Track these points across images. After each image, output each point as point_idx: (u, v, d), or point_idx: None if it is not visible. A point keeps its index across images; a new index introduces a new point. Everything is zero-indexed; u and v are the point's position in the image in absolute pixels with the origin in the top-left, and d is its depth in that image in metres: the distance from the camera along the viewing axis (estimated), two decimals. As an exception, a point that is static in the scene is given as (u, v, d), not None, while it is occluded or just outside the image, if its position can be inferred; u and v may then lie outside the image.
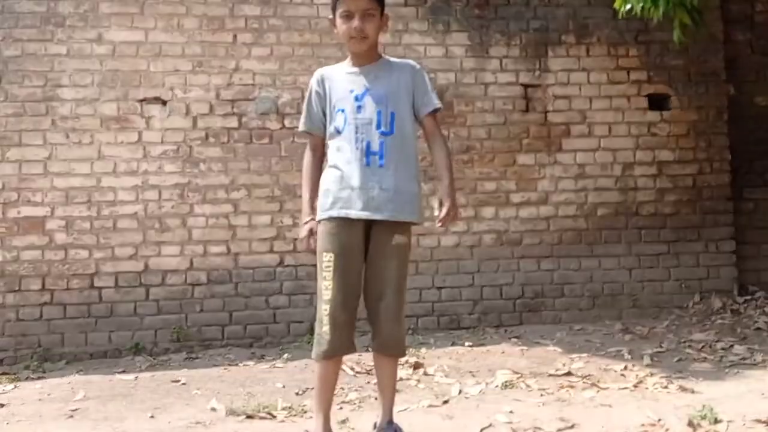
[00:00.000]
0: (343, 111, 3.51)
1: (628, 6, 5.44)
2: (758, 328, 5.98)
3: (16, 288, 6.05)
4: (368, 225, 3.44)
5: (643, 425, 3.78)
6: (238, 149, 6.35)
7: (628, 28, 6.76)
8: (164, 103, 6.29)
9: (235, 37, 6.40)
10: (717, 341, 5.64)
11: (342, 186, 3.44)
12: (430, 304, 6.48)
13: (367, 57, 3.59)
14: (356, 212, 3.41)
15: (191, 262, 6.24)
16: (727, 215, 6.88)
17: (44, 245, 6.10)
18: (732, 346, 5.52)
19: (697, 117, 6.89)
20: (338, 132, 3.50)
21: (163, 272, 6.22)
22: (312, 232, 3.48)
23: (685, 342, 5.69)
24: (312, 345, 3.51)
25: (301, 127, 3.67)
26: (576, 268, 6.66)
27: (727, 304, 6.57)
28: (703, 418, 3.77)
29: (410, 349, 5.68)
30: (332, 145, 3.54)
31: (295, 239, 6.36)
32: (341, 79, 3.58)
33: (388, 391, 3.57)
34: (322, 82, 3.59)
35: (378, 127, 3.47)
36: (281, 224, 6.36)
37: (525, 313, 6.58)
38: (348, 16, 3.46)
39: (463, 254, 6.56)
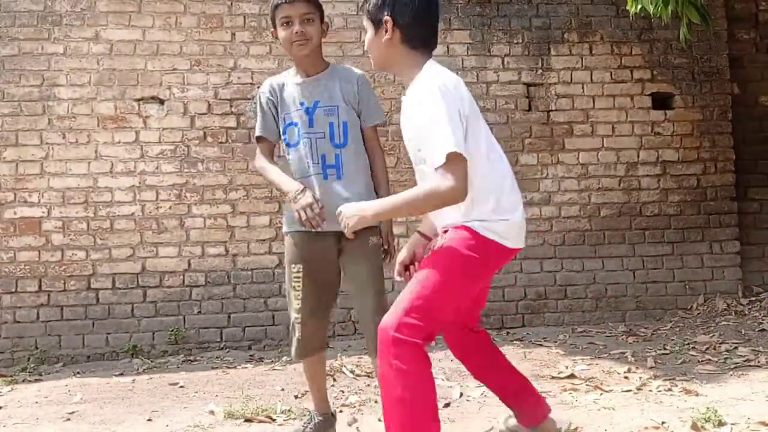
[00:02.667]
0: (295, 125, 3.55)
1: (640, 6, 5.38)
2: (763, 330, 5.94)
3: (13, 289, 6.02)
4: (339, 234, 3.37)
5: (646, 428, 3.77)
6: (236, 149, 6.31)
7: (631, 26, 6.72)
8: (162, 102, 6.26)
9: (233, 35, 6.36)
10: (721, 343, 5.61)
11: None
12: (431, 305, 6.40)
13: (313, 65, 3.62)
14: (324, 225, 3.40)
15: (189, 264, 6.20)
16: (732, 216, 6.84)
17: (41, 246, 6.07)
18: (736, 347, 5.48)
19: (701, 116, 6.84)
20: (292, 146, 3.54)
21: (161, 273, 6.18)
22: (316, 201, 3.37)
23: (689, 344, 5.65)
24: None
25: (257, 132, 3.64)
26: (579, 270, 6.61)
27: (731, 306, 6.53)
28: (707, 420, 3.76)
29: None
30: (287, 158, 3.59)
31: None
32: (291, 91, 3.60)
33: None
34: (273, 91, 3.61)
35: (332, 139, 3.51)
36: (280, 225, 6.28)
37: (527, 315, 6.53)
38: (288, 23, 3.50)
39: (464, 255, 6.49)
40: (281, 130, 3.58)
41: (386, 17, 3.01)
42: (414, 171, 3.11)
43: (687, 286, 6.72)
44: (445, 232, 3.00)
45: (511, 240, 3.02)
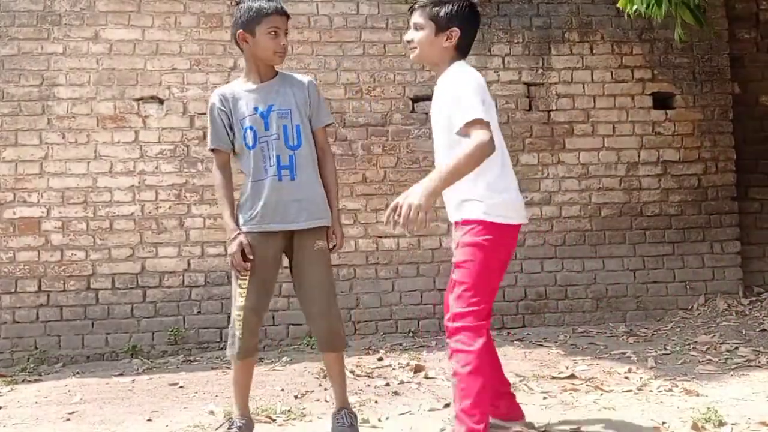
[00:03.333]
0: (252, 129, 3.71)
1: (635, 7, 5.37)
2: (763, 330, 5.94)
3: (12, 289, 6.01)
4: (288, 235, 3.72)
5: (647, 428, 3.75)
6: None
7: (632, 26, 6.70)
8: (161, 102, 6.24)
9: (233, 35, 6.34)
10: (722, 343, 5.61)
11: (257, 201, 3.69)
12: (431, 306, 6.41)
13: (268, 73, 3.80)
14: (274, 226, 3.68)
15: (189, 264, 6.19)
16: (733, 216, 6.82)
17: (40, 246, 6.05)
18: (737, 348, 5.48)
19: (702, 116, 6.83)
20: (249, 148, 3.70)
21: (161, 274, 6.16)
22: (242, 245, 3.65)
23: (689, 344, 5.65)
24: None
25: (210, 144, 3.78)
26: (579, 270, 6.60)
27: (732, 306, 6.52)
28: (708, 420, 3.77)
29: (411, 352, 5.66)
30: (243, 161, 3.75)
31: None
32: (243, 98, 3.76)
33: (340, 381, 3.87)
34: (224, 101, 3.75)
35: (286, 141, 3.70)
36: (280, 225, 6.29)
37: (528, 315, 6.52)
38: (276, 33, 3.68)
39: (464, 255, 6.49)
40: (242, 135, 3.72)
41: (455, 28, 3.46)
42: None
43: (688, 286, 6.71)
44: (457, 224, 3.50)
45: (514, 218, 3.49)
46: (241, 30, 3.73)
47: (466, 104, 3.26)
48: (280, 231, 3.70)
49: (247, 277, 3.68)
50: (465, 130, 3.25)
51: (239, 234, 3.65)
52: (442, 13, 3.46)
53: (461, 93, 3.29)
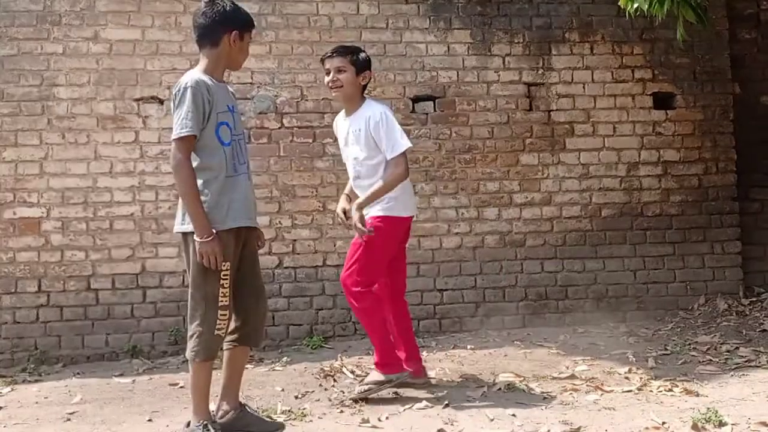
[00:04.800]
0: (227, 125, 3.78)
1: (635, 5, 5.36)
2: (764, 330, 5.94)
3: (12, 290, 6.00)
4: (243, 232, 3.84)
5: (647, 429, 3.80)
6: (236, 149, 6.28)
7: (632, 25, 6.70)
8: (161, 102, 6.23)
9: (233, 35, 6.33)
10: (722, 343, 5.61)
11: (234, 197, 3.75)
12: (431, 306, 6.42)
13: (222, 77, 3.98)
14: (247, 222, 3.83)
15: (189, 264, 6.17)
16: (733, 216, 6.82)
17: (40, 246, 6.05)
18: (737, 348, 5.49)
19: (702, 116, 6.83)
20: (224, 144, 3.74)
21: (161, 274, 6.16)
22: (222, 245, 3.67)
23: (690, 344, 5.65)
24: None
25: (191, 130, 3.67)
26: (580, 270, 6.60)
27: (732, 306, 6.52)
28: (708, 421, 3.79)
29: (411, 352, 5.66)
30: (211, 156, 3.73)
31: (295, 240, 6.31)
32: (218, 93, 3.79)
33: (240, 377, 4.03)
34: (209, 90, 3.73)
35: (246, 140, 4.02)
36: (280, 225, 6.30)
37: (528, 316, 6.52)
38: (248, 40, 3.97)
39: (465, 255, 6.50)
40: (214, 129, 3.73)
41: (368, 71, 4.59)
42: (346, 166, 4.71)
43: (688, 287, 6.70)
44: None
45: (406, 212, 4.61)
46: (237, 30, 3.80)
47: (393, 138, 4.41)
48: (243, 227, 3.82)
49: (228, 278, 3.71)
50: (392, 159, 4.40)
51: (218, 233, 3.66)
52: (360, 58, 4.51)
53: (389, 127, 4.42)
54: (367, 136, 4.46)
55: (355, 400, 4.40)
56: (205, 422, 3.75)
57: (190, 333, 3.74)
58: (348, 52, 4.52)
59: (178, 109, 3.68)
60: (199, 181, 3.68)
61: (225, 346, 3.90)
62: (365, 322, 4.56)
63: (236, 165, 3.78)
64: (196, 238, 3.63)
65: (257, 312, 3.96)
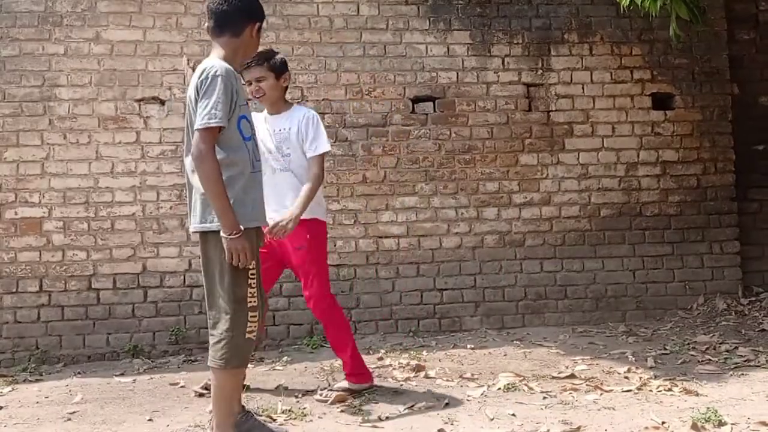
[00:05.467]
0: (246, 119, 3.64)
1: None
2: (763, 330, 5.95)
3: (14, 289, 6.01)
4: (259, 231, 3.75)
5: (646, 428, 3.79)
6: (237, 149, 6.29)
7: (631, 26, 6.72)
8: (162, 102, 6.25)
9: (234, 36, 6.34)
10: (721, 343, 5.62)
11: (257, 195, 3.65)
12: (431, 306, 6.43)
13: None
14: (264, 220, 3.82)
15: (190, 264, 6.18)
16: (732, 216, 6.84)
17: (41, 246, 6.06)
18: (736, 347, 5.49)
19: (701, 116, 6.84)
20: (245, 139, 3.58)
21: (162, 274, 6.17)
22: (252, 242, 3.54)
23: (689, 344, 5.66)
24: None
25: (220, 121, 3.44)
26: (579, 270, 6.61)
27: (731, 306, 6.54)
28: (707, 420, 3.78)
29: (411, 352, 5.67)
30: (240, 152, 3.56)
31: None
32: (239, 85, 3.65)
33: (243, 378, 4.09)
34: (236, 81, 3.59)
35: None
36: (281, 225, 6.29)
37: (527, 315, 6.53)
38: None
39: (464, 255, 6.51)
40: (236, 123, 3.56)
41: (287, 72, 4.66)
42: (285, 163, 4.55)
43: (687, 286, 6.72)
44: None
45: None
46: (259, 22, 3.74)
47: (321, 138, 4.53)
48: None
49: (256, 277, 3.55)
50: (312, 160, 4.51)
51: (246, 230, 3.47)
52: (277, 62, 4.55)
53: (319, 127, 4.55)
54: (298, 134, 4.52)
55: (321, 401, 4.46)
56: (248, 413, 3.62)
57: (215, 339, 3.51)
58: (264, 59, 4.50)
59: (206, 97, 3.43)
60: (224, 177, 3.45)
61: None
62: (338, 336, 4.59)
63: (254, 161, 3.64)
64: (223, 234, 3.42)
65: (263, 313, 3.82)
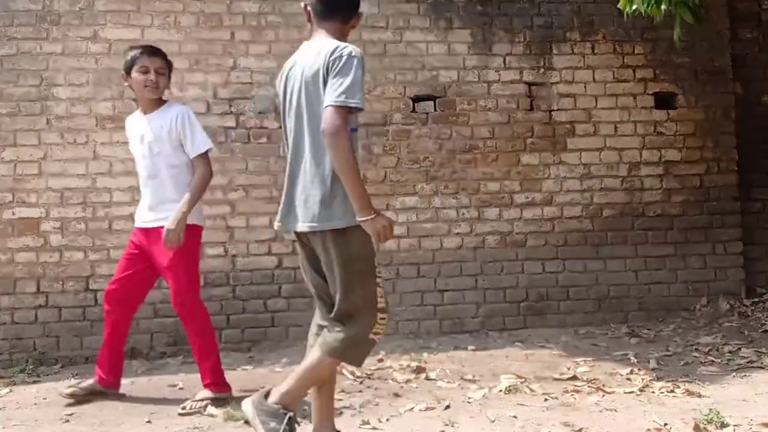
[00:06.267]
0: None
1: (634, 6, 5.35)
2: (766, 331, 5.96)
3: (11, 290, 5.98)
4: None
5: (648, 430, 3.81)
6: (235, 149, 6.28)
7: (634, 25, 6.68)
8: (161, 102, 6.21)
9: (232, 34, 6.32)
10: (724, 344, 5.62)
11: None
12: (432, 307, 6.40)
13: None
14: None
15: (189, 264, 6.15)
16: (735, 216, 6.81)
17: (39, 247, 6.03)
18: (739, 349, 5.49)
19: (704, 116, 6.81)
20: (353, 130, 3.41)
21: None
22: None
23: (691, 345, 5.66)
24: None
25: (360, 102, 3.28)
26: (581, 270, 6.58)
27: (734, 307, 6.53)
28: (710, 422, 3.81)
29: (412, 353, 5.66)
30: (354, 142, 3.37)
31: (295, 241, 6.26)
32: None
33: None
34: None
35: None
36: (280, 225, 6.26)
37: (529, 317, 6.50)
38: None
39: (466, 256, 6.48)
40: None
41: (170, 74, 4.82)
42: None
43: (690, 287, 6.69)
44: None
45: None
46: (359, 15, 3.67)
47: (200, 137, 4.58)
48: None
49: (381, 276, 3.44)
50: (196, 160, 4.56)
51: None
52: (172, 63, 4.83)
53: (195, 125, 4.58)
54: (170, 132, 4.55)
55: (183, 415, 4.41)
56: (291, 415, 3.37)
57: (342, 335, 3.37)
58: (164, 55, 4.72)
59: (341, 76, 3.26)
60: (329, 167, 3.32)
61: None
62: (204, 342, 4.62)
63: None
64: (367, 216, 3.24)
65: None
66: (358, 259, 3.36)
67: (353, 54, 3.32)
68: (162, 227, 4.44)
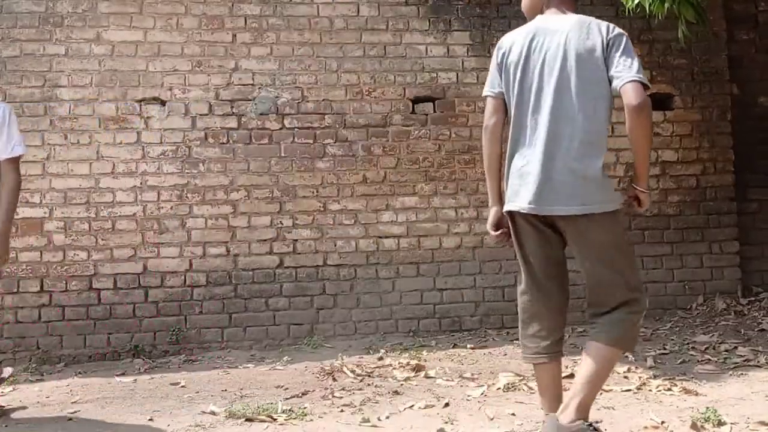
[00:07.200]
0: None
1: (636, 1, 5.37)
2: (762, 330, 5.94)
3: (15, 290, 6.01)
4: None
5: (646, 428, 3.77)
6: (237, 150, 6.31)
7: (631, 26, 6.68)
8: (163, 103, 6.25)
9: (234, 36, 6.36)
10: (721, 343, 5.61)
11: None
12: (431, 305, 6.43)
13: None
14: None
15: (190, 264, 6.20)
16: (731, 216, 6.84)
17: (42, 246, 6.07)
18: (736, 347, 5.48)
19: (700, 117, 6.85)
20: None
21: (162, 274, 6.18)
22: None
23: (688, 344, 5.65)
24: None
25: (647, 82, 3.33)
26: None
27: (731, 306, 6.53)
28: (707, 420, 3.77)
29: (411, 352, 5.68)
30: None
31: (296, 240, 6.34)
32: None
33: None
34: None
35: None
36: (281, 225, 6.31)
37: (527, 315, 6.52)
38: None
39: (465, 255, 6.52)
40: None
41: None
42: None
43: (686, 286, 6.72)
44: None
45: None
46: None
47: (17, 137, 4.22)
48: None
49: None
50: (9, 161, 4.19)
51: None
52: None
53: (13, 125, 4.30)
54: None
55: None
56: (592, 422, 3.25)
57: (631, 322, 3.27)
58: None
59: (627, 55, 3.34)
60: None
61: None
62: None
63: None
64: (645, 188, 3.37)
65: None
66: (625, 241, 3.40)
67: (623, 33, 3.43)
68: None
